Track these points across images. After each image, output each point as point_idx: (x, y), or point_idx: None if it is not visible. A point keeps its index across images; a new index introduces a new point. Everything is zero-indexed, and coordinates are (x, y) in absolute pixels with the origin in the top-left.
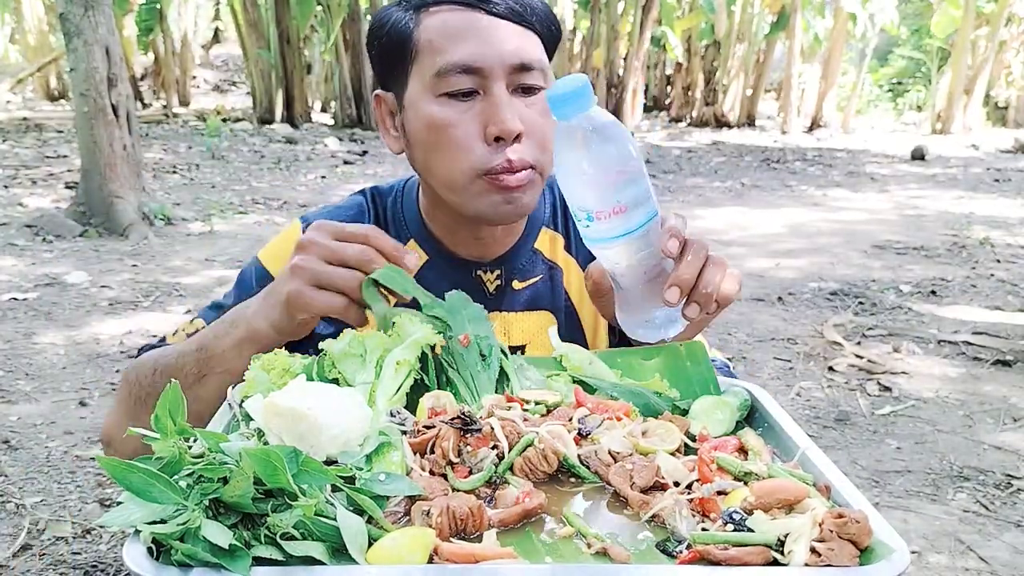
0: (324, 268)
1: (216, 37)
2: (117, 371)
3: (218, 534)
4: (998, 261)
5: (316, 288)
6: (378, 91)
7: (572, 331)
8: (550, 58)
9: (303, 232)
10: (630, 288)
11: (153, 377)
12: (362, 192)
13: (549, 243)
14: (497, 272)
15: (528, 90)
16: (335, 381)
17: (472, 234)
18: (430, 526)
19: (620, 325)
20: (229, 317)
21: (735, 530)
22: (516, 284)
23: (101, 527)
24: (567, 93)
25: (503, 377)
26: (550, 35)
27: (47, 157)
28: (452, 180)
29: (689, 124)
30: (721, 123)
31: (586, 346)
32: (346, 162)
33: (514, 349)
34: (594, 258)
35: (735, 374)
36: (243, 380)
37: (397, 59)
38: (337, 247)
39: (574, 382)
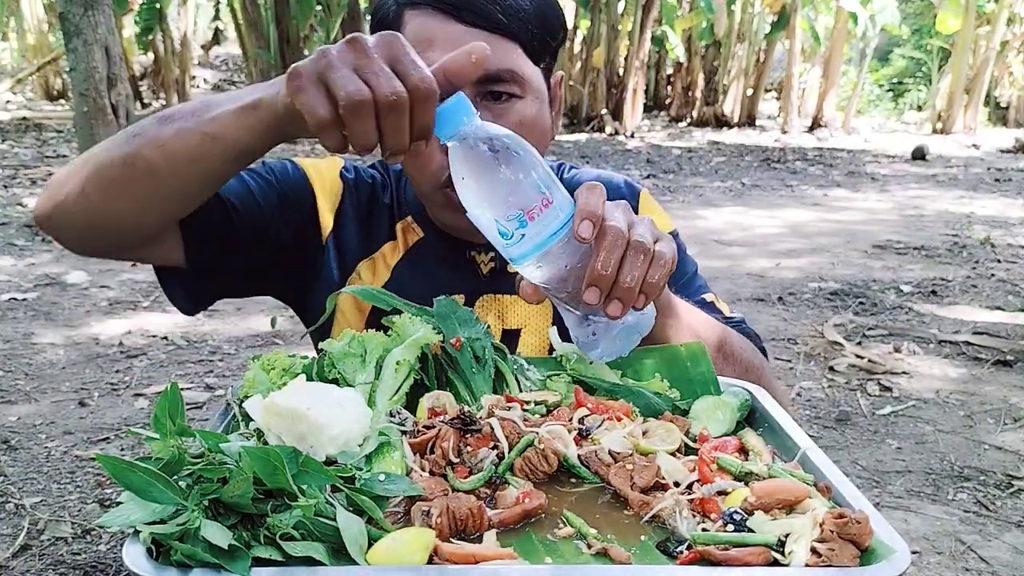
0: (342, 72)
1: (216, 37)
2: (117, 371)
3: (218, 534)
4: (998, 261)
5: (318, 83)
6: None
7: None
8: (544, 60)
9: (344, 168)
10: (572, 305)
11: (151, 120)
12: (380, 162)
13: None
14: (492, 254)
15: (498, 97)
16: (335, 381)
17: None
18: (430, 526)
19: (589, 356)
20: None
21: (735, 530)
22: (511, 267)
23: (101, 527)
24: (441, 112)
25: (500, 378)
26: (537, 39)
27: (47, 157)
28: (418, 186)
29: (689, 124)
30: (721, 123)
31: None
32: None
33: (509, 332)
34: None
35: (751, 329)
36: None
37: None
38: (378, 70)
39: (574, 382)
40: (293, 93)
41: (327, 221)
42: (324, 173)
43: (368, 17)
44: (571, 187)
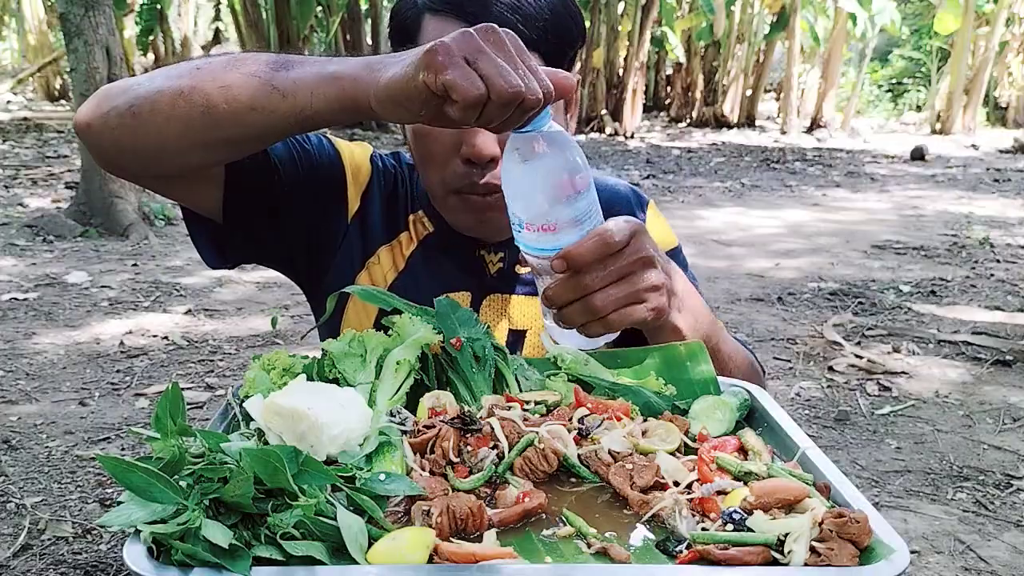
0: (496, 62)
1: (216, 37)
2: (118, 371)
3: (218, 534)
4: (998, 261)
5: (467, 64)
6: None
7: None
8: (564, 64)
9: (373, 154)
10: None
11: (219, 60)
12: (394, 154)
13: None
14: (501, 255)
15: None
16: (335, 381)
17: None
18: (430, 526)
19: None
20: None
21: (735, 530)
22: (518, 268)
23: (101, 527)
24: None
25: (500, 378)
26: (555, 47)
27: (47, 157)
28: (432, 190)
29: (689, 124)
30: (721, 123)
31: None
32: None
33: (515, 333)
34: None
35: (752, 351)
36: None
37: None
38: (526, 68)
39: (573, 381)
40: (440, 68)
41: (354, 202)
42: (356, 155)
43: (368, 19)
44: None
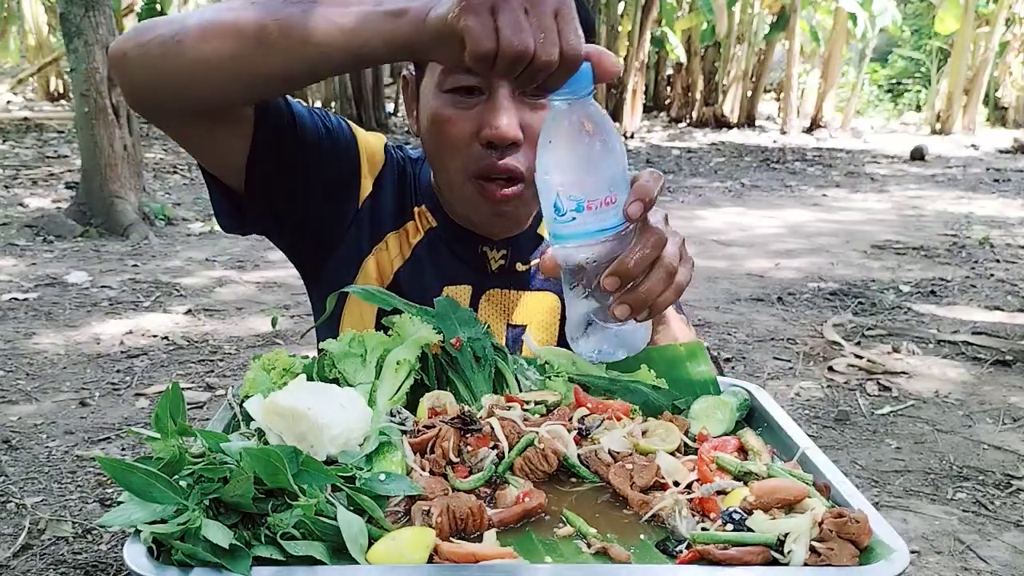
0: (515, 16)
1: None
2: (118, 371)
3: (218, 534)
4: (997, 261)
5: (489, 13)
6: (405, 72)
7: None
8: None
9: (387, 143)
10: (595, 301)
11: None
12: (398, 147)
13: None
14: (503, 252)
15: (538, 94)
16: (335, 381)
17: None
18: (430, 526)
19: (576, 351)
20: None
21: (735, 530)
22: (519, 266)
23: (101, 527)
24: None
25: (500, 378)
26: None
27: (47, 157)
28: (449, 179)
29: (689, 124)
30: (721, 123)
31: None
32: None
33: (513, 329)
34: None
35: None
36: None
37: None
38: (547, 27)
39: (572, 381)
40: (464, 12)
41: (366, 187)
42: (371, 142)
43: None
44: None
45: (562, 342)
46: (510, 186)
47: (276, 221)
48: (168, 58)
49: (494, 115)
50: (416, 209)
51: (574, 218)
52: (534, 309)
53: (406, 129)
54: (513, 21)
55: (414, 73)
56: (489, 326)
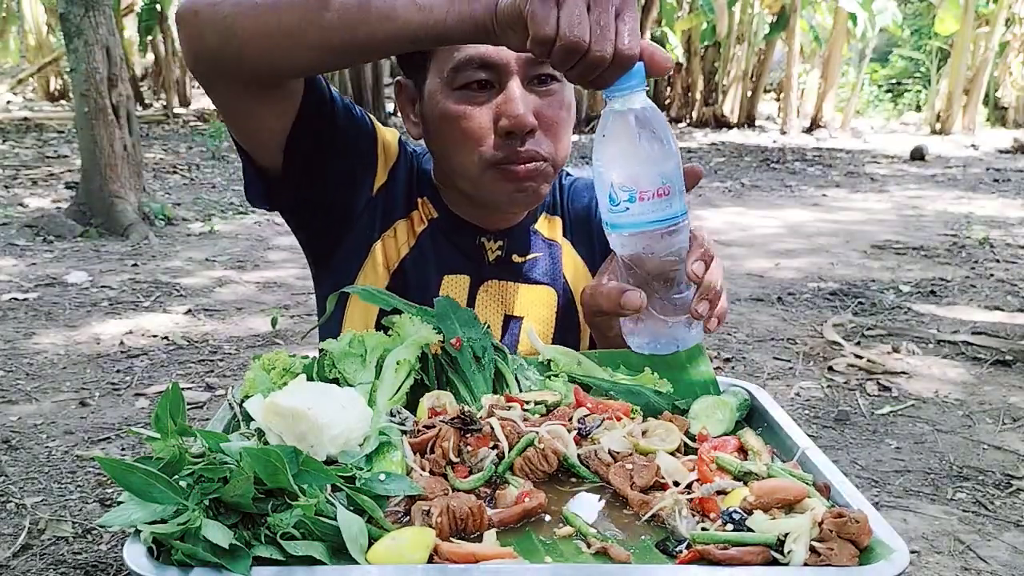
0: (577, 8)
1: None
2: (118, 371)
3: (218, 534)
4: (997, 261)
5: (555, 4)
6: (399, 78)
7: (569, 308)
8: None
9: (400, 138)
10: (653, 292)
11: None
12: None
13: (547, 225)
14: (500, 243)
15: (544, 81)
16: (335, 381)
17: (479, 210)
18: (430, 526)
19: (628, 343)
20: None
21: (735, 530)
22: (516, 257)
23: (101, 527)
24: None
25: (500, 378)
26: None
27: (47, 157)
28: (466, 170)
29: (689, 124)
30: (721, 123)
31: (579, 325)
32: None
33: (510, 320)
34: (589, 254)
35: None
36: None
37: (417, 50)
38: (606, 23)
39: (573, 381)
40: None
41: (381, 176)
42: (386, 133)
43: None
44: (570, 195)
45: (559, 336)
46: (532, 162)
47: (302, 201)
48: (242, 19)
49: (510, 105)
50: (419, 199)
51: (627, 208)
52: (532, 302)
53: (405, 129)
54: (573, 13)
55: (409, 78)
56: (489, 326)
